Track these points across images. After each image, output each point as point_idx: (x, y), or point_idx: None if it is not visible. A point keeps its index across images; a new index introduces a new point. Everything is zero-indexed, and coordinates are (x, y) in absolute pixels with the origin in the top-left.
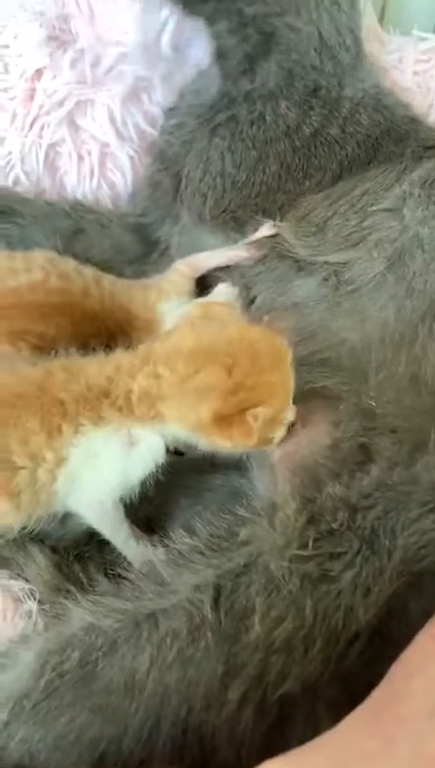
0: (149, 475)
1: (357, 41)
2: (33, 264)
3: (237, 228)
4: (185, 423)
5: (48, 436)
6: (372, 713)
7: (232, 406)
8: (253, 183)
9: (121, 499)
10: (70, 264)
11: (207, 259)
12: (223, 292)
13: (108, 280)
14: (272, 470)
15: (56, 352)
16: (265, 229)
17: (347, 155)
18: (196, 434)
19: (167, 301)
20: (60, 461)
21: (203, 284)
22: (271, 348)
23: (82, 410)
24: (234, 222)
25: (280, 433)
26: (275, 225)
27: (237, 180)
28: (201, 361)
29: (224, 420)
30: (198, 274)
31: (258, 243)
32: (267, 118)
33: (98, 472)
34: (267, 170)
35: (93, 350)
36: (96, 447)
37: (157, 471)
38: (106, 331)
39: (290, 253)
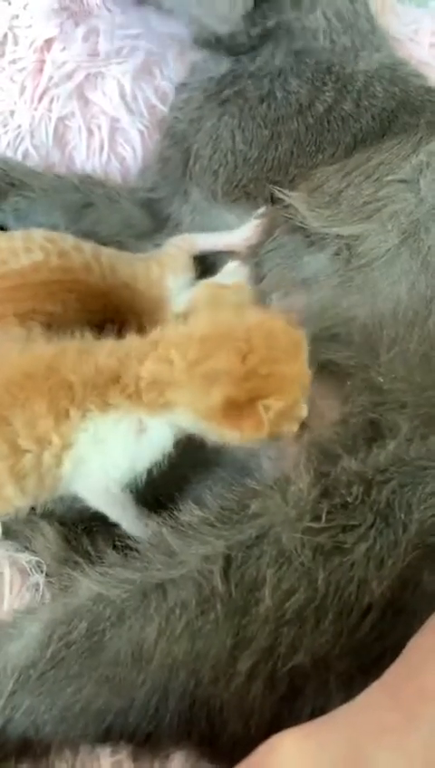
0: (156, 462)
1: (370, 12)
2: (32, 245)
3: (249, 203)
4: (195, 410)
5: (55, 420)
6: (391, 687)
7: (244, 392)
8: (265, 159)
9: (128, 485)
10: (68, 241)
11: (204, 241)
12: (233, 271)
13: (106, 255)
14: (279, 446)
15: (72, 332)
16: (257, 217)
17: (361, 128)
18: (205, 423)
19: (173, 277)
20: (66, 445)
21: (209, 261)
22: (289, 339)
23: (89, 395)
24: (246, 197)
25: (291, 428)
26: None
27: (249, 157)
28: (215, 346)
29: (234, 410)
30: (194, 252)
31: (258, 227)
32: (278, 95)
33: (105, 458)
34: (280, 147)
35: (102, 328)
36: (104, 433)
37: (164, 459)
38: (112, 307)
39: (302, 224)
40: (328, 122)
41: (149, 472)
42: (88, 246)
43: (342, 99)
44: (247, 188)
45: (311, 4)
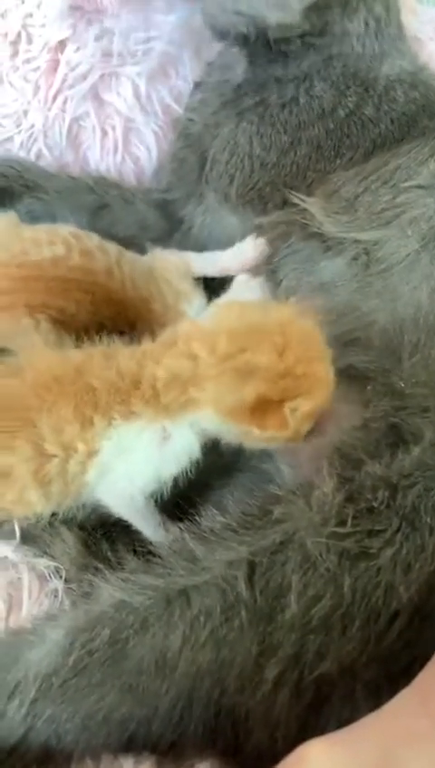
0: (183, 469)
1: (399, 19)
2: (56, 238)
3: (262, 206)
4: (220, 407)
5: (81, 427)
6: (421, 694)
7: (277, 391)
8: (283, 164)
9: (153, 494)
10: (94, 240)
11: (200, 265)
12: (244, 283)
13: (128, 262)
14: (297, 452)
15: (86, 333)
16: (252, 246)
17: (380, 133)
18: (227, 422)
19: (188, 303)
20: (91, 453)
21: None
22: (319, 338)
23: (113, 402)
24: (259, 199)
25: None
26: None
27: (266, 162)
28: (248, 340)
29: (260, 408)
30: (193, 274)
31: (257, 247)
32: (301, 100)
33: (130, 466)
34: (299, 152)
35: (115, 332)
36: (129, 441)
37: (191, 467)
38: (126, 316)
39: (318, 230)
40: (348, 127)
41: (175, 480)
42: (113, 249)
43: (363, 104)
44: (262, 191)
45: (355, 8)
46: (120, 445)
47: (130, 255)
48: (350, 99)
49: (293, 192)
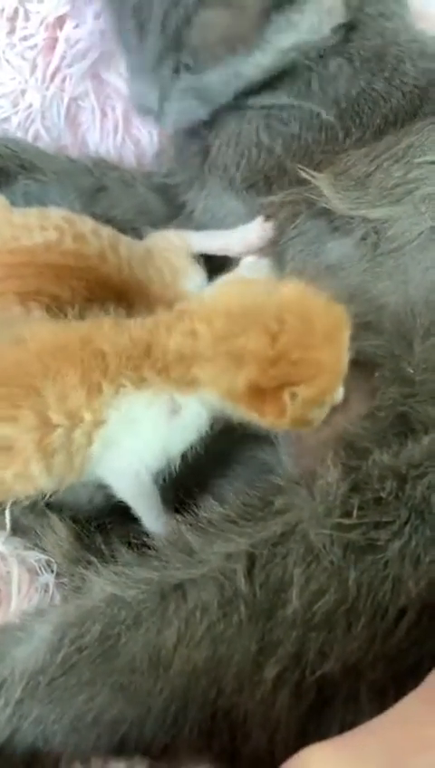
0: (190, 446)
1: None
2: (48, 223)
3: (266, 189)
4: (218, 389)
5: (88, 394)
6: (430, 698)
7: (270, 379)
8: (290, 149)
9: (160, 473)
10: (87, 224)
11: (199, 241)
12: (251, 266)
13: (124, 246)
14: (299, 442)
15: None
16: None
17: (392, 108)
18: (230, 402)
19: (187, 280)
20: (98, 423)
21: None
22: (327, 320)
23: (123, 369)
24: (264, 182)
25: (321, 414)
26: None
27: (273, 149)
28: (244, 322)
29: (258, 393)
30: (191, 251)
31: (262, 229)
32: (313, 85)
33: (138, 439)
34: (308, 137)
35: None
36: (137, 412)
37: (198, 442)
38: (123, 300)
39: (327, 206)
40: (359, 105)
41: (174, 469)
42: (107, 233)
43: (374, 79)
44: (268, 175)
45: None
46: (128, 416)
47: (125, 239)
48: (361, 77)
49: (301, 167)
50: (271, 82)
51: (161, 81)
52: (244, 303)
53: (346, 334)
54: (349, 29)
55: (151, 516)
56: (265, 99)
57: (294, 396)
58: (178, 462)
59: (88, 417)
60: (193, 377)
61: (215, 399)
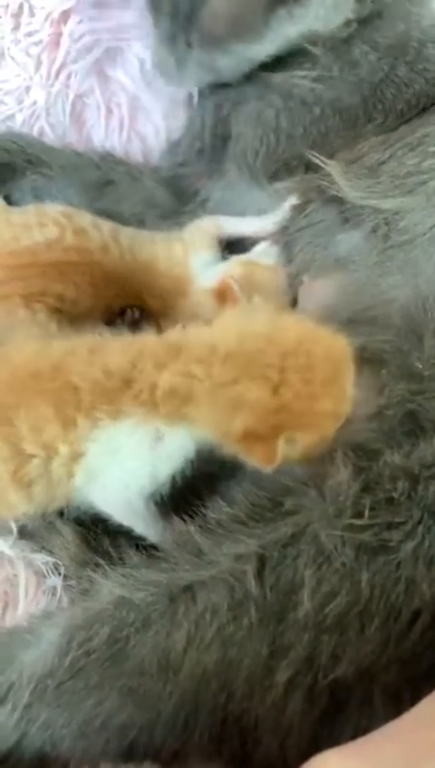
0: (178, 470)
1: None
2: (46, 220)
3: (286, 177)
4: (211, 430)
5: (63, 428)
6: None
7: (268, 427)
8: (310, 135)
9: (152, 496)
10: (86, 218)
11: (231, 225)
12: (264, 252)
13: (126, 234)
14: None
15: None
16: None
17: (414, 93)
18: (224, 442)
19: (196, 255)
20: (76, 455)
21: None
22: (332, 363)
23: (98, 403)
24: (285, 170)
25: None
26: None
27: (294, 135)
28: (242, 369)
29: (253, 437)
30: (220, 234)
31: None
32: (334, 71)
33: (122, 468)
34: (329, 123)
35: (123, 312)
36: (118, 442)
37: (186, 467)
38: (130, 291)
39: (338, 194)
40: (381, 92)
41: (173, 480)
42: (106, 225)
43: (397, 64)
44: (288, 162)
45: None
46: (109, 446)
47: (125, 228)
48: (384, 61)
49: (314, 153)
50: (291, 62)
51: (177, 53)
52: (243, 347)
53: (350, 372)
54: (376, 16)
55: (154, 534)
56: (285, 77)
57: (292, 440)
58: (168, 484)
59: (64, 449)
60: (184, 414)
61: (205, 436)
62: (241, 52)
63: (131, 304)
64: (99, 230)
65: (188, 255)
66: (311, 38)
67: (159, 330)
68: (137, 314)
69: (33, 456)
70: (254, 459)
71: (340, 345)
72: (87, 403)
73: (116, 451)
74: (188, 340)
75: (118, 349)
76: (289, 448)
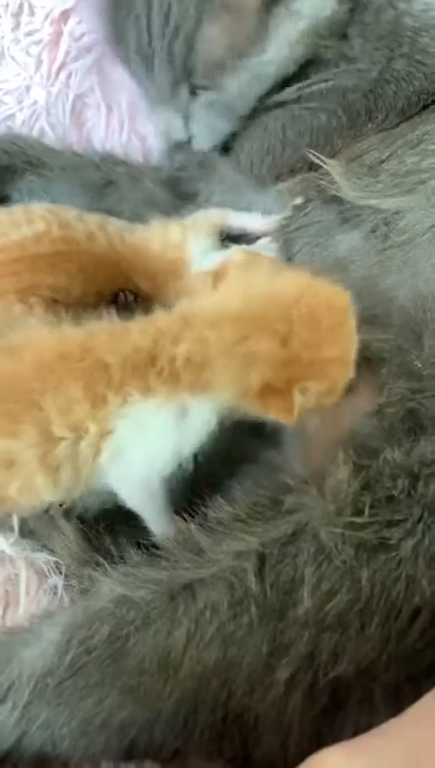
0: (199, 447)
1: None
2: (33, 216)
3: (289, 178)
4: (231, 390)
5: (92, 406)
6: None
7: (282, 379)
8: (316, 140)
9: (170, 477)
10: (71, 212)
11: (235, 218)
12: (264, 248)
13: (113, 223)
14: (308, 440)
15: (83, 308)
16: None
17: (414, 90)
18: (243, 402)
19: (196, 239)
20: (104, 433)
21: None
22: (333, 314)
23: (129, 378)
24: (289, 174)
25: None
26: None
27: (300, 144)
28: (251, 326)
29: (270, 391)
30: (222, 225)
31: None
32: (337, 67)
33: (147, 445)
34: (334, 124)
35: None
36: (146, 419)
37: (207, 442)
38: (121, 275)
39: (337, 194)
40: (381, 88)
41: (183, 471)
42: (92, 217)
43: (393, 56)
44: (293, 167)
45: None
46: (138, 423)
47: (115, 220)
48: (380, 52)
49: (313, 152)
50: (294, 77)
51: (181, 106)
52: (250, 305)
53: (352, 321)
54: (361, 8)
55: (160, 523)
56: (292, 92)
57: (305, 390)
58: (188, 464)
59: (93, 428)
60: (205, 380)
61: (226, 399)
62: (248, 70)
63: (123, 288)
64: (84, 222)
65: (187, 240)
66: (315, 34)
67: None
68: (130, 298)
69: (61, 438)
70: (272, 413)
71: (339, 294)
72: (117, 379)
73: (144, 428)
74: (197, 308)
75: (139, 328)
76: (304, 399)
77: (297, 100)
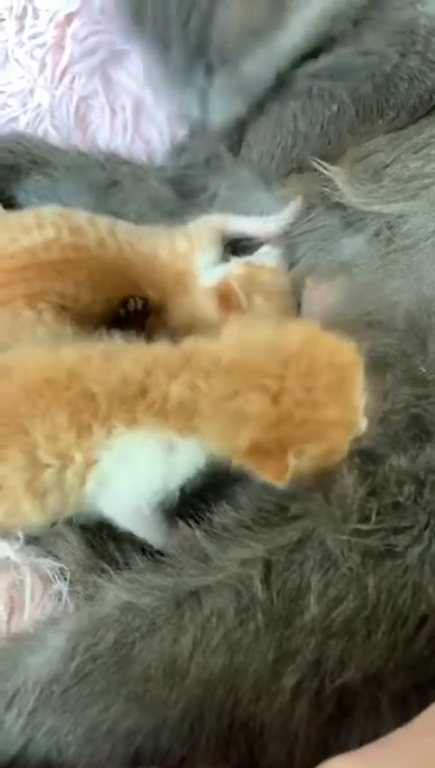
0: (188, 480)
1: None
2: (44, 221)
3: (297, 177)
4: (221, 445)
5: (77, 435)
6: None
7: (272, 440)
8: (326, 133)
9: (161, 504)
10: (82, 216)
11: (237, 223)
12: (266, 254)
13: (123, 230)
14: None
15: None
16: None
17: (426, 88)
18: (231, 457)
19: (201, 251)
20: (90, 463)
21: (239, 245)
22: (334, 368)
23: (115, 410)
24: (297, 171)
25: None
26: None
27: (311, 135)
28: (242, 381)
29: (261, 451)
30: (225, 231)
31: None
32: (349, 61)
33: (134, 477)
34: (346, 117)
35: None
36: (131, 451)
37: (196, 477)
38: (129, 283)
39: (340, 200)
40: (394, 84)
41: (182, 489)
42: (103, 221)
43: (407, 53)
44: (302, 164)
45: None
46: (123, 454)
47: (126, 224)
48: (394, 49)
49: (317, 160)
50: (310, 61)
51: (198, 85)
52: (245, 357)
53: (357, 380)
54: (381, 1)
55: (159, 543)
56: (305, 76)
57: (301, 453)
58: (178, 493)
59: (79, 457)
60: (194, 427)
61: (216, 449)
62: (265, 52)
63: (133, 295)
64: (95, 226)
65: (193, 252)
66: (332, 18)
67: (161, 321)
68: (140, 304)
69: (48, 465)
70: (265, 475)
71: (345, 351)
72: (103, 410)
73: (129, 459)
74: (196, 350)
75: (132, 356)
76: (300, 461)
77: (309, 90)
